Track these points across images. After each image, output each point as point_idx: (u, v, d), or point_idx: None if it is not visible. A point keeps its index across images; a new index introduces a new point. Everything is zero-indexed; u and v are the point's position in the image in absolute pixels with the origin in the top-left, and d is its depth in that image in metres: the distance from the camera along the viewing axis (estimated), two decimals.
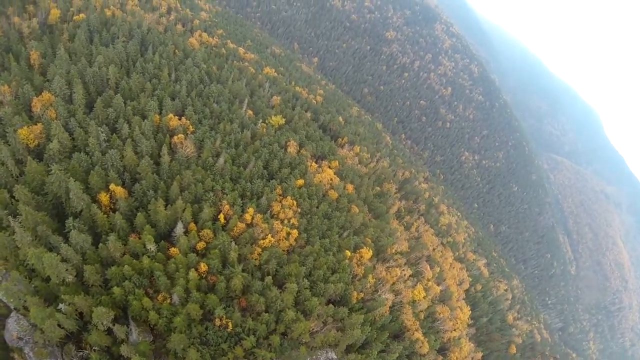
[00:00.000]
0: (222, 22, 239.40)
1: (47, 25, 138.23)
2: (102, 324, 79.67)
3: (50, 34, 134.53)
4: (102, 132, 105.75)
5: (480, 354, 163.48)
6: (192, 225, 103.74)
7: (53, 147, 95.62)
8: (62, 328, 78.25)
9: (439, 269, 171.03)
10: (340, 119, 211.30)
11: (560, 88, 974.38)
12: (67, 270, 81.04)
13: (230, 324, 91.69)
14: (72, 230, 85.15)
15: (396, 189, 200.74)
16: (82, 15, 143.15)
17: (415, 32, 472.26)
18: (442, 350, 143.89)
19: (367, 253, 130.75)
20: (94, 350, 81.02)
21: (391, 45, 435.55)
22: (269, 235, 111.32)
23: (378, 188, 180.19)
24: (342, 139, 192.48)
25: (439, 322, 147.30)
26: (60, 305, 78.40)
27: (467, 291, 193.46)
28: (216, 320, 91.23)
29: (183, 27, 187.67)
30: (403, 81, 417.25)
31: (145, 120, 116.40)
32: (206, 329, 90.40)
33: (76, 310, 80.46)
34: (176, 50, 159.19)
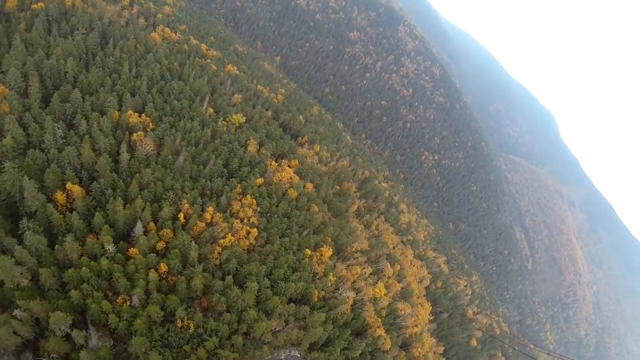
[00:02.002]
0: (186, 17, 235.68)
1: (3, 13, 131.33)
2: (59, 329, 77.38)
3: (7, 22, 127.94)
4: (58, 128, 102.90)
5: (442, 348, 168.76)
6: (152, 224, 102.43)
7: (6, 143, 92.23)
8: (18, 335, 75.60)
9: (399, 266, 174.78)
10: (301, 118, 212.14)
11: (519, 91, 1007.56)
12: (21, 273, 78.57)
13: (192, 325, 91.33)
14: (27, 232, 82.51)
15: (356, 188, 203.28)
16: (40, 4, 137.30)
17: (378, 33, 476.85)
18: (405, 346, 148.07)
19: (327, 252, 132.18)
20: (52, 357, 78.57)
21: (354, 45, 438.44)
22: (229, 234, 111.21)
23: (338, 187, 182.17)
24: (303, 138, 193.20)
25: (401, 318, 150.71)
26: (15, 311, 75.62)
27: (427, 288, 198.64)
28: (177, 321, 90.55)
29: (145, 21, 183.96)
30: (365, 81, 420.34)
31: (104, 116, 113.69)
32: (168, 330, 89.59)
33: (32, 316, 77.82)
34: (137, 45, 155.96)
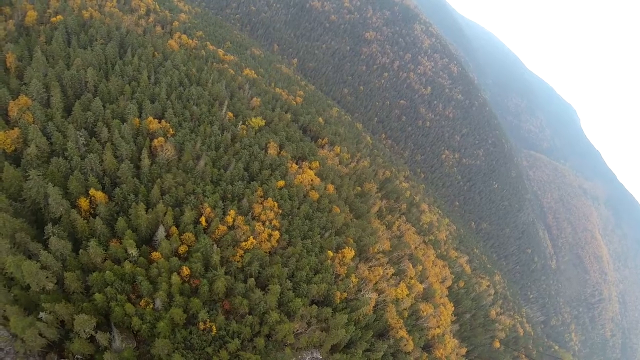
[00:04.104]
0: (202, 23, 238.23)
1: (24, 27, 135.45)
2: (84, 331, 78.15)
3: (27, 36, 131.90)
4: (80, 136, 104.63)
5: (464, 350, 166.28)
6: (174, 228, 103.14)
7: (31, 152, 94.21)
8: (44, 337, 76.52)
9: (421, 267, 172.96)
10: (321, 119, 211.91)
11: (538, 86, 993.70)
12: (47, 277, 79.58)
13: (214, 328, 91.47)
14: (52, 237, 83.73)
15: (377, 188, 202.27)
16: (59, 17, 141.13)
17: (394, 32, 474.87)
18: (427, 347, 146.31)
19: (349, 253, 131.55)
20: (77, 358, 79.45)
21: (371, 45, 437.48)
22: (251, 237, 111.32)
23: (359, 188, 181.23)
24: (323, 140, 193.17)
25: (423, 319, 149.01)
26: (41, 314, 76.54)
27: (450, 288, 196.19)
28: (200, 324, 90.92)
29: (162, 28, 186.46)
30: (383, 81, 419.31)
31: (125, 123, 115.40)
32: (190, 333, 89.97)
33: (57, 318, 78.77)
34: (155, 53, 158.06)
